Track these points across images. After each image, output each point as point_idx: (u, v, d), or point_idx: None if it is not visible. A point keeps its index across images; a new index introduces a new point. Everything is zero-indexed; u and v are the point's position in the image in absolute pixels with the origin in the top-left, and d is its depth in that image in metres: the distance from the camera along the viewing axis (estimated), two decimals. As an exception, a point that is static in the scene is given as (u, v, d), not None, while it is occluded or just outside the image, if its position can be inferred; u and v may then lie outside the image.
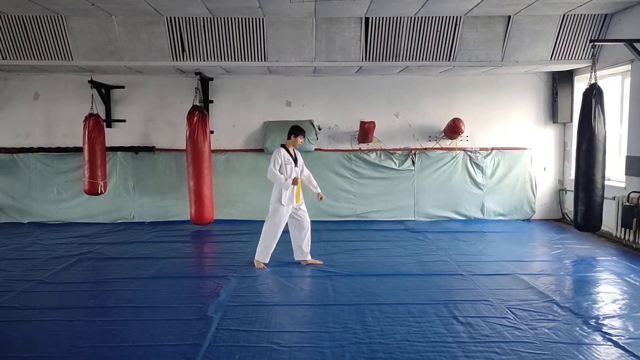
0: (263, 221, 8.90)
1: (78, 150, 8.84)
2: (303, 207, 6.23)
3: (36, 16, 7.28)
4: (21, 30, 7.42)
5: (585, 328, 4.25)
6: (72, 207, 9.13)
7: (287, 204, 6.05)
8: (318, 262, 6.29)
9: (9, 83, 9.06)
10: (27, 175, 9.08)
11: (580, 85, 8.53)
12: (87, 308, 4.84)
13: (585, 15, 7.44)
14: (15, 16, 7.27)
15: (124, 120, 9.14)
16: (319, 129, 9.09)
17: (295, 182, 6.03)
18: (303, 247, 6.24)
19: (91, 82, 8.47)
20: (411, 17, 7.40)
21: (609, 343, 3.96)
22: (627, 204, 7.00)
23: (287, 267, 6.15)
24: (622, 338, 4.04)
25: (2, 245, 7.39)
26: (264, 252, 6.16)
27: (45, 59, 7.72)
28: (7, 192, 9.10)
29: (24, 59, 7.72)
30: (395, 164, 9.22)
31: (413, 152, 9.24)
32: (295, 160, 6.17)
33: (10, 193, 9.11)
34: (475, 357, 3.68)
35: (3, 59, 7.70)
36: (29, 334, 4.20)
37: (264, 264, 6.15)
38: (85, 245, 7.36)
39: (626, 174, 7.34)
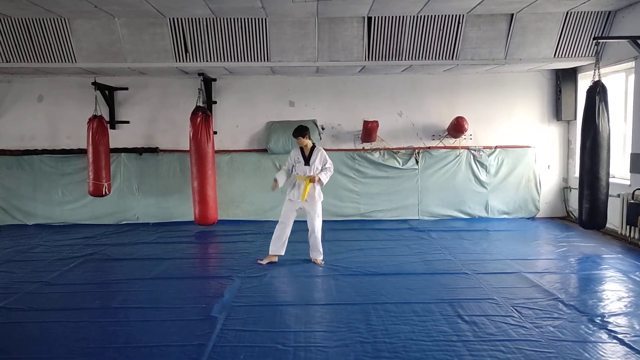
0: (267, 221, 9.07)
1: (82, 152, 8.87)
2: (310, 208, 6.26)
3: (39, 19, 7.31)
4: (24, 32, 7.44)
5: (591, 326, 4.23)
6: (76, 209, 9.16)
7: (294, 198, 6.27)
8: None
9: (13, 85, 9.10)
10: (31, 177, 9.11)
11: (584, 83, 8.50)
12: (92, 309, 4.86)
13: (588, 12, 7.41)
14: (18, 19, 7.29)
15: (127, 122, 9.17)
16: (322, 129, 9.09)
17: (275, 182, 6.26)
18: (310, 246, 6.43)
19: (95, 84, 8.50)
20: (414, 16, 7.39)
21: (614, 341, 3.95)
22: (632, 201, 6.98)
23: (290, 267, 6.14)
24: (628, 336, 4.02)
25: (7, 247, 7.42)
26: (271, 243, 6.36)
27: (48, 61, 7.74)
28: (12, 194, 9.14)
29: (28, 61, 7.74)
30: (399, 163, 9.21)
31: (417, 151, 9.23)
32: (307, 160, 6.26)
33: (15, 195, 9.14)
34: (480, 356, 3.68)
35: (7, 61, 7.73)
36: (34, 335, 4.22)
37: (275, 256, 6.34)
38: (90, 247, 7.39)
39: (631, 171, 7.31)
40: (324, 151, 6.36)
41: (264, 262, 6.32)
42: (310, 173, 6.19)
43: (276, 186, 6.26)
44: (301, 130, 6.25)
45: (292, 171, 6.33)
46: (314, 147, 6.34)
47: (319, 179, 6.16)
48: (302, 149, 6.32)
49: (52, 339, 4.14)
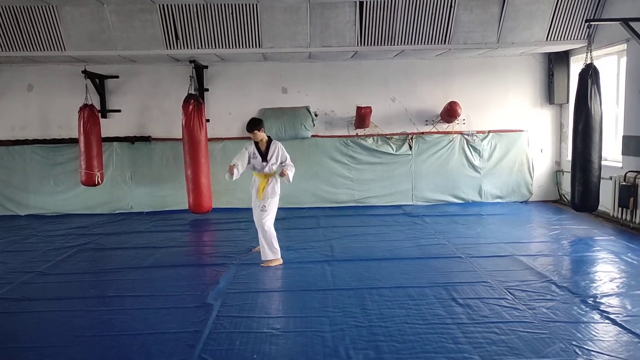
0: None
1: (74, 141, 8.79)
2: (265, 204, 5.71)
3: (27, 6, 7.20)
4: (12, 21, 7.34)
5: (583, 307, 4.28)
6: (69, 199, 9.11)
7: (253, 190, 5.92)
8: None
9: (2, 75, 8.99)
10: (23, 168, 9.04)
11: (576, 66, 8.50)
12: (87, 298, 4.86)
13: (580, -6, 7.40)
14: (5, 7, 7.19)
15: (119, 111, 9.10)
16: (316, 115, 9.06)
17: (230, 170, 5.64)
18: None
19: (85, 72, 8.40)
20: (406, 0, 7.33)
21: (606, 321, 3.99)
22: (624, 183, 7.02)
23: (285, 253, 6.14)
24: (620, 316, 4.07)
25: (0, 238, 7.38)
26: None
27: (37, 49, 7.65)
28: (3, 184, 9.08)
29: (16, 50, 7.65)
30: (393, 149, 9.21)
31: (410, 136, 9.23)
32: (264, 155, 5.79)
33: (7, 185, 9.08)
34: (474, 338, 3.71)
35: (-5, 50, 7.65)
36: (29, 325, 4.21)
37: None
38: (84, 236, 7.36)
39: (623, 153, 7.35)
40: (282, 146, 5.87)
41: (257, 249, 6.29)
42: (267, 170, 5.77)
43: (233, 171, 5.61)
44: (255, 124, 5.75)
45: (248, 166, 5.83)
46: (270, 141, 5.85)
47: (287, 174, 5.66)
48: (257, 144, 5.83)
49: (47, 328, 4.14)
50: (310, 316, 4.21)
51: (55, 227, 8.03)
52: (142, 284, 5.18)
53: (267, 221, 5.70)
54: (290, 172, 5.76)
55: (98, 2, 7.09)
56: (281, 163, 5.82)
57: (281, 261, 5.77)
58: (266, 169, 5.81)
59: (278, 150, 5.83)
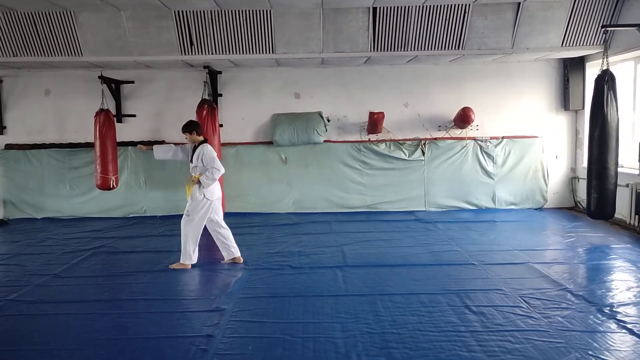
0: (273, 213, 9.10)
1: (90, 145, 8.88)
2: (188, 209, 5.93)
3: (45, 12, 7.31)
4: (31, 26, 7.45)
5: (600, 316, 4.22)
6: (85, 202, 9.19)
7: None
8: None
9: (20, 80, 9.13)
10: (40, 172, 9.15)
11: (592, 72, 8.41)
12: (101, 301, 4.90)
13: None
14: (24, 12, 7.30)
15: (134, 115, 9.18)
16: (328, 121, 9.07)
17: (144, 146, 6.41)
18: None
19: (101, 77, 8.50)
20: (419, 6, 7.33)
21: (623, 330, 3.93)
22: (641, 191, 6.93)
23: (297, 258, 6.15)
24: (637, 325, 4.01)
25: (17, 241, 7.48)
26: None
27: (55, 55, 7.76)
28: (20, 188, 9.19)
29: (34, 55, 7.76)
30: (405, 155, 9.18)
31: (423, 142, 9.20)
32: (191, 157, 6.03)
33: (24, 189, 9.19)
34: (488, 346, 3.68)
35: (14, 55, 7.75)
36: (44, 327, 4.26)
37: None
38: (98, 240, 7.43)
39: (639, 160, 7.25)
40: (210, 150, 5.90)
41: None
42: (192, 172, 5.93)
43: (144, 148, 6.40)
44: (186, 126, 6.00)
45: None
46: (200, 144, 5.96)
47: (199, 180, 5.81)
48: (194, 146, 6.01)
49: (62, 330, 4.18)
50: (323, 322, 4.21)
51: (71, 230, 8.12)
52: (155, 287, 5.22)
53: (185, 225, 5.85)
54: (207, 178, 5.79)
55: (115, 9, 7.18)
56: (208, 166, 5.83)
57: (189, 266, 5.84)
58: (191, 171, 5.96)
59: (204, 154, 5.86)
